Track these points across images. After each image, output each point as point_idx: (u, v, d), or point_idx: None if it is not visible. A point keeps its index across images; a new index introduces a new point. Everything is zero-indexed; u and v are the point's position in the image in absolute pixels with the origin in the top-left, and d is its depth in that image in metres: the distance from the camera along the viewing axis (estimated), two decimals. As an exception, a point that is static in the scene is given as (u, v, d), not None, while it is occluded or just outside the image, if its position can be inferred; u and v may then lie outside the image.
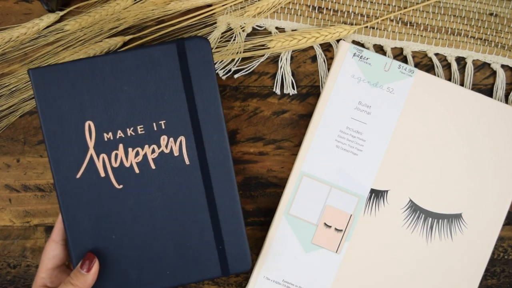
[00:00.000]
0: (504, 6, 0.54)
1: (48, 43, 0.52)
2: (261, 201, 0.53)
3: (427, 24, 0.53)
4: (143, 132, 0.45)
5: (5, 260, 0.53)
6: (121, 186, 0.45)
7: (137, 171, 0.45)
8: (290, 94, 0.53)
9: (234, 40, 0.53)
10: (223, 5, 0.52)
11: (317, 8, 0.53)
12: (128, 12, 0.52)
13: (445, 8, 0.53)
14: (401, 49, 0.53)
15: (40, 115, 0.44)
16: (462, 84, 0.53)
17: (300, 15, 0.53)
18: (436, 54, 0.53)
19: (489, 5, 0.54)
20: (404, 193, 0.50)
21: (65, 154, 0.44)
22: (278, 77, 0.53)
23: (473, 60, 0.53)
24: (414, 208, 0.50)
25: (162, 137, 0.45)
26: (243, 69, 0.53)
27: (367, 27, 0.53)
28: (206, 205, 0.45)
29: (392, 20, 0.53)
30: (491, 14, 0.53)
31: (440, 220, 0.50)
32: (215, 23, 0.53)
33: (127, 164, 0.45)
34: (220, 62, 0.53)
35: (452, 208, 0.50)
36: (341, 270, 0.50)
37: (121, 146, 0.45)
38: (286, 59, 0.53)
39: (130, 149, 0.45)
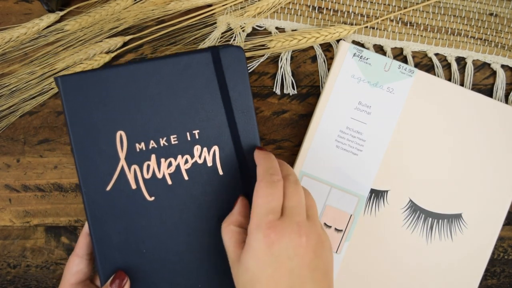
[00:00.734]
0: (504, 6, 0.54)
1: (48, 43, 0.52)
2: (261, 201, 0.53)
3: (427, 24, 0.53)
4: (176, 142, 0.43)
5: (5, 260, 0.53)
6: (152, 198, 0.43)
7: (169, 182, 0.43)
8: (290, 94, 0.53)
9: (234, 40, 0.52)
10: (223, 5, 0.52)
11: (317, 8, 0.53)
12: (128, 12, 0.52)
13: (445, 8, 0.53)
14: (401, 49, 0.53)
15: (68, 125, 0.42)
16: (462, 84, 0.53)
17: (300, 15, 0.53)
18: (436, 54, 0.53)
19: (489, 5, 0.54)
20: (404, 193, 0.50)
21: (94, 166, 0.42)
22: (278, 77, 0.53)
23: (473, 60, 0.53)
24: (414, 208, 0.50)
25: (195, 147, 0.43)
26: (243, 69, 0.53)
27: (367, 27, 0.53)
28: None
29: (392, 20, 0.53)
30: (491, 14, 0.53)
31: (440, 220, 0.50)
32: (215, 23, 0.53)
33: (159, 176, 0.43)
34: (220, 62, 0.53)
35: (452, 208, 0.50)
36: (341, 270, 0.50)
37: (153, 156, 0.43)
38: (286, 59, 0.53)
39: (162, 160, 0.43)
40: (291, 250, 0.36)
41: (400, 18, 0.53)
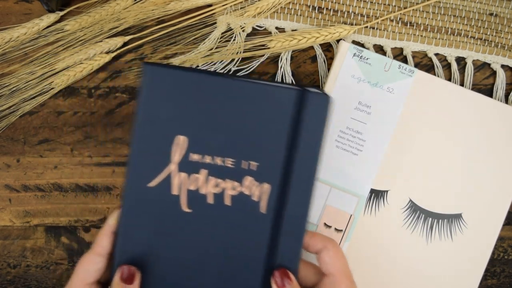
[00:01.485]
0: (504, 6, 0.54)
1: (48, 43, 0.52)
2: (261, 201, 0.53)
3: (427, 24, 0.53)
4: (231, 166, 0.42)
5: (5, 260, 0.53)
6: (189, 210, 0.42)
7: (210, 201, 0.42)
8: (290, 94, 0.53)
9: (234, 40, 0.52)
10: (223, 5, 0.52)
11: (317, 8, 0.53)
12: (128, 12, 0.52)
13: (445, 8, 0.53)
14: (401, 49, 0.53)
15: (137, 112, 0.41)
16: (462, 84, 0.53)
17: (300, 15, 0.53)
18: (436, 54, 0.53)
19: (489, 5, 0.54)
20: (404, 193, 0.50)
21: (146, 159, 0.41)
22: (278, 77, 0.53)
23: (473, 60, 0.53)
24: (414, 208, 0.50)
25: (247, 178, 0.42)
26: (243, 69, 0.53)
27: (367, 27, 0.53)
28: (263, 260, 0.42)
29: (392, 20, 0.53)
30: (491, 14, 0.53)
31: (440, 220, 0.50)
32: (215, 23, 0.53)
33: (203, 191, 0.42)
34: (220, 62, 0.53)
35: (452, 208, 0.50)
36: None
37: (204, 171, 0.42)
38: (286, 59, 0.53)
39: (211, 178, 0.42)
40: None
41: (400, 18, 0.53)
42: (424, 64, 0.53)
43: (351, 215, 0.50)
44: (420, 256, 0.50)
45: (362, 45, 0.53)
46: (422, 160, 0.50)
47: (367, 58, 0.50)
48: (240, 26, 0.53)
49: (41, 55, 0.52)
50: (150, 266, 0.42)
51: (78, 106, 0.53)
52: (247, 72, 0.53)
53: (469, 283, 0.50)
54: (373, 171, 0.50)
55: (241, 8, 0.52)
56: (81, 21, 0.51)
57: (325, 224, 0.50)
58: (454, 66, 0.53)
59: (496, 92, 0.53)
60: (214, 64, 0.52)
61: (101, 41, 0.52)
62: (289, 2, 0.53)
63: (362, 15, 0.53)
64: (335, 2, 0.53)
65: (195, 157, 0.41)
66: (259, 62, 0.53)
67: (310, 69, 0.53)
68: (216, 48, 0.53)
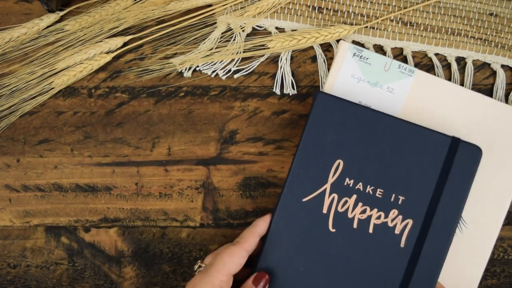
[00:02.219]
0: (504, 6, 0.54)
1: (48, 43, 0.52)
2: (261, 201, 0.53)
3: (427, 24, 0.53)
4: (380, 196, 0.45)
5: (5, 260, 0.53)
6: (333, 230, 0.45)
7: (355, 226, 0.45)
8: (290, 94, 0.53)
9: (234, 40, 0.52)
10: (223, 5, 0.52)
11: (317, 8, 0.53)
12: (128, 12, 0.52)
13: (445, 8, 0.53)
14: (401, 49, 0.53)
15: (304, 131, 0.46)
16: (462, 84, 0.53)
17: (300, 15, 0.53)
18: (436, 54, 0.53)
19: (489, 5, 0.54)
20: None
21: (305, 175, 0.46)
22: (278, 77, 0.53)
23: (473, 60, 0.53)
24: None
25: (393, 211, 0.45)
26: (243, 69, 0.53)
27: (367, 27, 0.53)
28: None
29: (392, 20, 0.53)
30: (491, 14, 0.53)
31: None
32: (215, 23, 0.53)
33: (350, 215, 0.45)
34: (220, 62, 0.53)
35: None
36: None
37: (354, 197, 0.45)
38: (286, 59, 0.53)
39: (360, 204, 0.45)
40: None
41: (400, 18, 0.53)
42: (424, 64, 0.53)
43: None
44: None
45: (362, 45, 0.53)
46: None
47: (367, 58, 0.50)
48: (240, 26, 0.53)
49: (41, 55, 0.52)
50: (285, 275, 0.45)
51: (78, 106, 0.53)
52: (247, 72, 0.53)
53: (468, 283, 0.50)
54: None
55: (241, 8, 0.52)
56: (81, 21, 0.51)
57: None
58: (454, 66, 0.53)
59: (496, 92, 0.53)
60: (214, 64, 0.52)
61: (101, 41, 0.52)
62: (289, 2, 0.53)
63: (362, 15, 0.53)
64: (335, 2, 0.53)
65: (349, 182, 0.46)
66: (259, 62, 0.53)
67: (310, 69, 0.53)
68: (216, 48, 0.53)
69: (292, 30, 0.53)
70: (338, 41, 0.53)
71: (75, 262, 0.53)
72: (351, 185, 0.45)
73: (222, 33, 0.53)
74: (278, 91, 0.53)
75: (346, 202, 0.45)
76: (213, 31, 0.53)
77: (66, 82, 0.51)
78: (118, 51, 0.52)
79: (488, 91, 0.53)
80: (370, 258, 0.45)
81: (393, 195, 0.45)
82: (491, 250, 0.49)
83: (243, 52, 0.52)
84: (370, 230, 0.45)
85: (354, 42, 0.53)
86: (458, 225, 0.49)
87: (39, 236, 0.53)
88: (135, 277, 0.53)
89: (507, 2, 0.54)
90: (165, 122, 0.53)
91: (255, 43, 0.52)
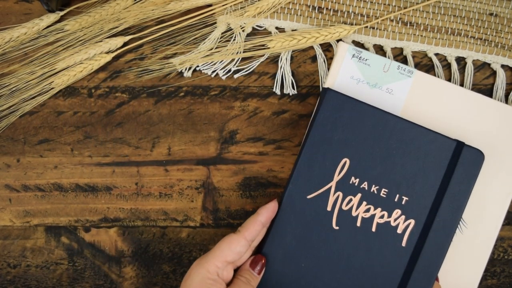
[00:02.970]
0: (504, 6, 0.54)
1: (48, 43, 0.52)
2: (261, 201, 0.53)
3: (427, 24, 0.53)
4: (384, 196, 0.46)
5: (5, 260, 0.53)
6: (337, 228, 0.46)
7: (358, 224, 0.46)
8: (290, 94, 0.53)
9: (234, 40, 0.52)
10: (223, 5, 0.52)
11: (317, 8, 0.53)
12: (128, 12, 0.52)
13: (445, 8, 0.53)
14: (401, 49, 0.53)
15: (311, 128, 0.46)
16: (462, 84, 0.53)
17: (300, 15, 0.53)
18: (436, 54, 0.53)
19: (489, 5, 0.54)
20: None
21: (310, 173, 0.46)
22: (278, 77, 0.53)
23: (473, 60, 0.53)
24: None
25: (396, 210, 0.46)
26: (243, 69, 0.53)
27: (367, 27, 0.53)
28: None
29: (392, 20, 0.53)
30: (491, 14, 0.53)
31: None
32: (215, 23, 0.53)
33: (353, 214, 0.46)
34: (220, 62, 0.53)
35: None
36: None
37: (359, 195, 0.46)
38: (286, 59, 0.53)
39: (364, 203, 0.46)
40: None
41: (400, 18, 0.53)
42: (424, 64, 0.53)
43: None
44: None
45: (362, 45, 0.53)
46: None
47: (366, 59, 0.50)
48: (240, 26, 0.53)
49: (41, 55, 0.52)
50: (287, 271, 0.46)
51: (78, 106, 0.53)
52: (247, 72, 0.53)
53: (468, 283, 0.50)
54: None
55: (241, 8, 0.52)
56: (81, 21, 0.51)
57: None
58: (454, 66, 0.53)
59: (496, 92, 0.53)
60: (214, 64, 0.52)
61: (101, 41, 0.52)
62: (289, 2, 0.53)
63: (362, 15, 0.53)
64: (335, 2, 0.53)
65: (354, 180, 0.46)
66: (259, 62, 0.53)
67: (310, 69, 0.53)
68: (216, 48, 0.53)
69: (292, 30, 0.53)
70: (338, 41, 0.53)
71: (75, 262, 0.53)
72: (356, 184, 0.46)
73: (222, 33, 0.53)
74: (278, 91, 0.53)
75: (350, 200, 0.46)
76: (213, 31, 0.53)
77: (66, 82, 0.51)
78: (118, 51, 0.52)
79: (488, 91, 0.53)
80: (371, 256, 0.46)
81: (397, 195, 0.46)
82: (491, 251, 0.49)
83: (243, 52, 0.52)
84: (373, 229, 0.46)
85: (354, 42, 0.53)
86: (458, 225, 0.49)
87: (39, 236, 0.53)
88: (135, 277, 0.53)
89: (507, 2, 0.54)
90: (165, 122, 0.53)
91: (255, 43, 0.52)
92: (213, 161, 0.53)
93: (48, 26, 0.52)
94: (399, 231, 0.46)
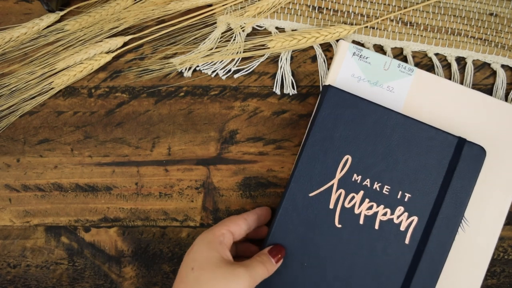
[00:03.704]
0: (504, 6, 0.54)
1: (48, 43, 0.52)
2: (261, 201, 0.53)
3: (427, 24, 0.53)
4: (386, 193, 0.46)
5: (5, 260, 0.53)
6: (340, 226, 0.45)
7: (361, 222, 0.46)
8: (290, 94, 0.53)
9: (234, 40, 0.52)
10: (223, 5, 0.52)
11: (317, 8, 0.53)
12: (128, 12, 0.52)
13: (445, 8, 0.53)
14: (401, 49, 0.53)
15: (313, 124, 0.46)
16: (461, 84, 0.53)
17: (300, 15, 0.53)
18: (436, 54, 0.53)
19: (489, 5, 0.54)
20: None
21: (312, 170, 0.46)
22: (278, 77, 0.53)
23: (473, 60, 0.53)
24: None
25: (399, 207, 0.46)
26: (243, 69, 0.53)
27: (367, 27, 0.53)
28: (399, 286, 0.45)
29: (392, 20, 0.53)
30: (491, 14, 0.53)
31: None
32: (215, 23, 0.53)
33: (356, 211, 0.46)
34: (220, 62, 0.53)
35: None
36: None
37: (361, 193, 0.46)
38: (286, 59, 0.53)
39: (367, 200, 0.46)
40: None
41: (400, 18, 0.53)
42: (424, 64, 0.53)
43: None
44: None
45: (362, 45, 0.53)
46: None
47: (367, 57, 0.50)
48: (240, 26, 0.53)
49: (41, 55, 0.52)
50: (289, 269, 0.45)
51: (78, 106, 0.53)
52: (247, 72, 0.53)
53: (471, 282, 0.49)
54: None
55: (241, 8, 0.52)
56: (81, 21, 0.51)
57: None
58: (454, 66, 0.53)
59: (496, 92, 0.53)
60: (214, 64, 0.52)
61: (101, 41, 0.52)
62: (289, 2, 0.53)
63: (362, 15, 0.53)
64: (335, 2, 0.53)
65: (356, 178, 0.46)
66: (259, 62, 0.53)
67: (310, 69, 0.53)
68: (216, 48, 0.53)
69: (292, 30, 0.53)
70: (338, 40, 0.53)
71: (75, 262, 0.53)
72: (358, 181, 0.46)
73: (222, 33, 0.53)
74: (278, 91, 0.53)
75: (353, 198, 0.46)
76: (213, 31, 0.53)
77: (66, 82, 0.51)
78: (118, 51, 0.52)
79: (488, 91, 0.53)
80: (375, 254, 0.45)
81: (400, 192, 0.46)
82: (493, 250, 0.49)
83: (243, 52, 0.52)
84: (376, 226, 0.45)
85: (354, 42, 0.53)
86: (461, 223, 0.49)
87: (39, 236, 0.53)
88: (135, 277, 0.53)
89: (507, 2, 0.54)
90: (165, 122, 0.53)
91: (255, 43, 0.52)
92: (213, 161, 0.53)
93: (48, 26, 0.52)
94: (402, 228, 0.45)
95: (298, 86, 0.53)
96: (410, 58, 0.53)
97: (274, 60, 0.53)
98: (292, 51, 0.53)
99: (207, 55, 0.52)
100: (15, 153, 0.53)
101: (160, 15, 0.52)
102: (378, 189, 0.46)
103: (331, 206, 0.45)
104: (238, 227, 0.44)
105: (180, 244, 0.53)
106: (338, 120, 0.46)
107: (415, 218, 0.45)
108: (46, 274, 0.53)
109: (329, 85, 0.46)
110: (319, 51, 0.53)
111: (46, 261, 0.53)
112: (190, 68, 0.53)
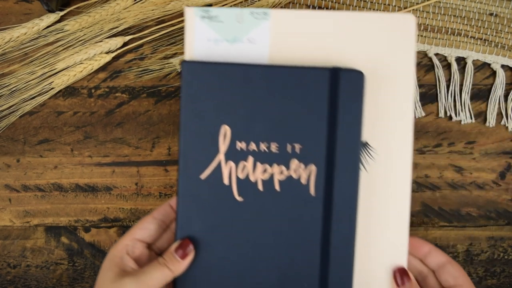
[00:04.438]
0: (504, 6, 0.54)
1: (48, 43, 0.52)
2: (261, 201, 0.53)
3: (427, 24, 0.53)
4: (276, 150, 0.43)
5: (5, 260, 0.53)
6: (241, 199, 0.43)
7: (260, 188, 0.43)
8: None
9: (234, 40, 0.52)
10: (223, 5, 0.52)
11: (317, 8, 0.53)
12: (128, 12, 0.52)
13: (445, 8, 0.53)
14: (401, 49, 0.53)
15: (181, 107, 0.43)
16: (461, 84, 0.53)
17: (300, 15, 0.53)
18: (436, 54, 0.53)
19: (489, 5, 0.54)
20: None
21: (195, 152, 0.43)
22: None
23: (473, 60, 0.53)
24: None
25: (293, 161, 0.43)
26: (243, 69, 0.53)
27: (367, 27, 0.53)
28: (319, 242, 0.43)
29: (392, 20, 0.53)
30: (491, 14, 0.53)
31: None
32: (215, 23, 0.53)
33: (252, 179, 0.43)
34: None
35: None
36: None
37: (250, 158, 0.43)
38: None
39: (258, 164, 0.43)
40: None
41: (400, 18, 0.53)
42: (424, 64, 0.53)
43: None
44: None
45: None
46: None
47: (216, 16, 0.46)
48: (240, 26, 0.52)
49: (41, 55, 0.52)
50: (204, 257, 0.43)
51: (78, 106, 0.53)
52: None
53: (397, 216, 0.46)
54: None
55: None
56: (81, 21, 0.51)
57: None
58: (454, 66, 0.53)
59: (495, 92, 0.53)
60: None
61: (101, 41, 0.52)
62: (289, 2, 0.53)
63: (362, 15, 0.53)
64: (335, 2, 0.53)
65: (240, 145, 0.43)
66: (259, 62, 0.53)
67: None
68: (216, 48, 0.53)
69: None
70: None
71: (75, 262, 0.53)
72: (244, 148, 0.43)
73: (222, 33, 0.53)
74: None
75: (244, 167, 0.43)
76: (213, 31, 0.53)
77: (66, 82, 0.51)
78: (118, 51, 0.52)
79: (488, 91, 0.53)
80: (285, 216, 0.43)
81: (289, 145, 0.42)
82: (411, 171, 0.46)
83: (243, 52, 0.52)
84: (277, 188, 0.43)
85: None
86: (368, 153, 0.46)
87: (39, 236, 0.53)
88: (135, 277, 0.53)
89: (507, 2, 0.54)
90: (165, 122, 0.53)
91: (255, 43, 0.52)
92: (213, 161, 0.53)
93: (48, 26, 0.52)
94: (303, 181, 0.42)
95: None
96: (410, 58, 0.53)
97: (274, 60, 0.53)
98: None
99: (207, 55, 0.52)
100: (15, 153, 0.53)
101: (160, 15, 0.52)
102: (266, 149, 0.43)
103: (226, 182, 0.43)
104: (144, 230, 0.43)
105: (180, 244, 0.53)
106: (201, 94, 0.43)
107: (313, 167, 0.42)
108: (46, 274, 0.53)
109: (183, 61, 0.43)
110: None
111: (46, 261, 0.53)
112: (190, 68, 0.52)
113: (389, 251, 0.45)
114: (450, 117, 0.53)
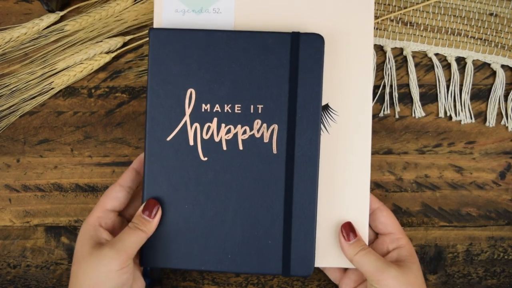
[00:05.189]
0: (504, 6, 0.54)
1: (48, 43, 0.52)
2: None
3: (427, 24, 0.53)
4: (239, 111, 0.45)
5: (5, 260, 0.53)
6: (206, 159, 0.45)
7: (224, 148, 0.45)
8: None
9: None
10: (223, 5, 0.52)
11: None
12: (128, 12, 0.52)
13: (445, 8, 0.53)
14: (401, 49, 0.53)
15: (148, 73, 0.45)
16: (461, 84, 0.53)
17: (300, 15, 0.53)
18: (436, 54, 0.53)
19: (489, 5, 0.54)
20: None
21: (161, 115, 0.45)
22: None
23: (473, 60, 0.53)
24: None
25: (256, 121, 0.45)
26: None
27: (367, 27, 0.53)
28: (282, 199, 0.45)
29: (392, 20, 0.53)
30: (491, 14, 0.53)
31: None
32: (215, 23, 0.53)
33: (216, 139, 0.45)
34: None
35: None
36: None
37: (215, 120, 0.45)
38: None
39: (223, 125, 0.45)
40: None
41: (400, 18, 0.53)
42: (424, 64, 0.53)
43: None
44: None
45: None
46: None
47: None
48: (240, 26, 0.52)
49: (41, 55, 0.52)
50: (173, 216, 0.45)
51: (78, 106, 0.53)
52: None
53: (358, 176, 0.47)
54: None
55: (241, 8, 0.52)
56: (81, 21, 0.51)
57: None
58: (454, 66, 0.53)
59: (495, 92, 0.53)
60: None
61: (101, 41, 0.52)
62: (289, 2, 0.53)
63: (362, 15, 0.53)
64: None
65: (205, 107, 0.45)
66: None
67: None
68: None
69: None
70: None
71: (75, 262, 0.53)
72: (208, 110, 0.45)
73: (222, 33, 0.53)
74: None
75: (209, 128, 0.45)
76: (213, 31, 0.53)
77: (66, 82, 0.52)
78: (118, 51, 0.52)
79: (488, 91, 0.53)
80: (248, 174, 0.45)
81: (252, 106, 0.45)
82: (370, 136, 0.47)
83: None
84: (240, 147, 0.45)
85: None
86: (330, 115, 0.48)
87: (39, 236, 0.53)
88: (135, 277, 0.53)
89: (507, 2, 0.54)
90: (165, 122, 0.53)
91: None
92: (213, 161, 0.53)
93: (48, 26, 0.52)
94: (265, 140, 0.45)
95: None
96: (410, 58, 0.53)
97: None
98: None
99: (207, 55, 0.52)
100: (15, 153, 0.53)
101: (160, 15, 0.52)
102: (229, 111, 0.45)
103: (191, 143, 0.45)
104: (113, 200, 0.45)
105: (180, 244, 0.53)
106: (169, 59, 0.45)
107: (275, 126, 0.45)
108: (46, 274, 0.53)
109: (150, 28, 0.46)
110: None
111: (46, 261, 0.53)
112: (190, 68, 0.52)
113: (351, 209, 0.47)
114: (450, 117, 0.53)
